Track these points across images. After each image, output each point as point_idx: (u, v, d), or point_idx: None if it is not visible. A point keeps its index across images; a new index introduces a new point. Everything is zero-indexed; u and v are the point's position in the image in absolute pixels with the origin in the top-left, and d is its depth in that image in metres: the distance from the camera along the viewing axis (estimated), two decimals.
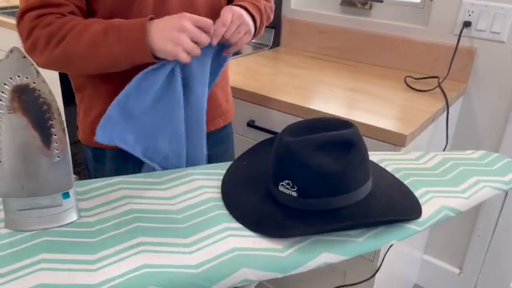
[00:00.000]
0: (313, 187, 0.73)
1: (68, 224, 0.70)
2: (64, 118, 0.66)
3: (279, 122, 1.28)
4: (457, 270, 1.68)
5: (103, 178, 0.83)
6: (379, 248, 0.71)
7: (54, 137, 0.65)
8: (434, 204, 0.81)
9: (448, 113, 1.26)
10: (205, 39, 0.81)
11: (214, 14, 0.89)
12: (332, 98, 1.27)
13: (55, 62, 0.81)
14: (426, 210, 0.78)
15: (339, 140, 0.74)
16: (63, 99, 1.81)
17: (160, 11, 0.87)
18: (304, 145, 0.74)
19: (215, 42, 0.85)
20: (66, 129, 0.66)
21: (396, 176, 0.90)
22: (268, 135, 1.31)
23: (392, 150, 1.09)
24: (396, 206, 0.75)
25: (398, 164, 0.94)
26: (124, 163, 0.96)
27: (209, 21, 0.81)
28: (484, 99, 1.45)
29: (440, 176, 0.91)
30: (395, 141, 1.07)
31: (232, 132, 1.15)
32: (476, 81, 1.45)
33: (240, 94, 1.31)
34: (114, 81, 0.87)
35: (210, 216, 0.74)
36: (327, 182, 0.73)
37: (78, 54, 0.79)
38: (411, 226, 0.75)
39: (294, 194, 0.75)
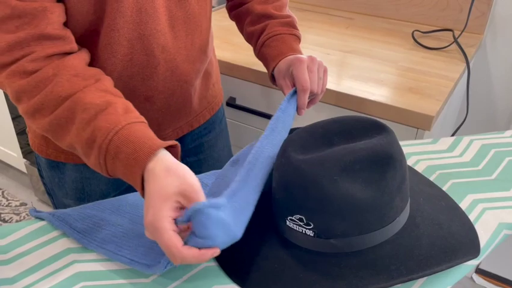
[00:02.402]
0: (338, 224, 0.52)
1: None
2: None
3: (266, 100, 1.04)
4: None
5: None
6: None
7: None
8: (488, 221, 0.62)
9: (468, 76, 1.05)
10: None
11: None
12: (326, 65, 1.02)
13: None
14: (482, 232, 0.59)
15: (373, 155, 0.52)
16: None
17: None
18: (324, 167, 0.51)
19: (303, 113, 0.71)
20: None
21: (432, 178, 0.69)
22: (254, 117, 1.07)
23: (412, 135, 0.87)
24: (448, 240, 0.55)
25: (429, 160, 0.74)
26: (93, 171, 0.73)
27: None
28: (501, 53, 1.23)
29: (485, 175, 0.71)
30: (416, 123, 0.85)
31: (224, 114, 0.92)
32: (493, 33, 1.23)
33: None
34: None
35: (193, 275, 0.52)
36: (357, 216, 0.51)
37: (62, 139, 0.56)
38: (468, 262, 0.55)
39: (310, 233, 0.53)
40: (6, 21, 0.53)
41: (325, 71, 0.73)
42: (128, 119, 0.53)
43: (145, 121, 0.55)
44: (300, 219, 0.53)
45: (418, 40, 1.16)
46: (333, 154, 0.51)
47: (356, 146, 0.52)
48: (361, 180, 0.51)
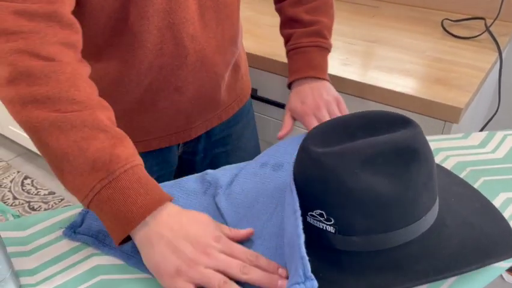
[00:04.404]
0: (359, 220, 0.50)
1: None
2: None
3: (288, 91, 1.02)
4: None
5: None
6: None
7: None
8: None
9: (501, 66, 1.00)
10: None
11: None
12: (350, 56, 0.99)
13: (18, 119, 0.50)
14: None
15: (396, 148, 0.49)
16: None
17: None
18: (345, 159, 0.49)
19: None
20: None
21: (462, 175, 0.66)
22: (275, 109, 1.05)
23: (439, 128, 0.84)
24: (481, 240, 0.52)
25: (459, 156, 0.70)
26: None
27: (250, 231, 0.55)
28: None
29: None
30: (444, 116, 0.81)
31: (251, 105, 0.91)
32: None
33: None
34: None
35: None
36: (380, 212, 0.49)
37: (49, 148, 0.49)
38: (500, 263, 0.52)
39: (331, 229, 0.51)
40: None
41: (339, 102, 0.74)
42: (140, 160, 0.51)
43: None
44: (321, 215, 0.51)
45: (447, 29, 1.11)
46: (354, 147, 0.49)
47: (378, 139, 0.50)
48: (383, 174, 0.48)
